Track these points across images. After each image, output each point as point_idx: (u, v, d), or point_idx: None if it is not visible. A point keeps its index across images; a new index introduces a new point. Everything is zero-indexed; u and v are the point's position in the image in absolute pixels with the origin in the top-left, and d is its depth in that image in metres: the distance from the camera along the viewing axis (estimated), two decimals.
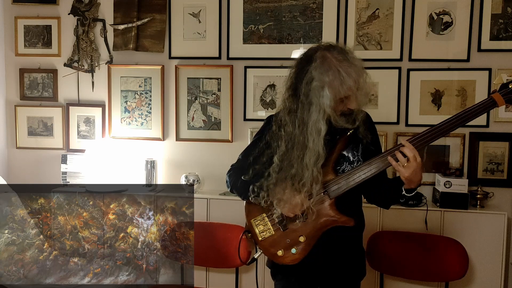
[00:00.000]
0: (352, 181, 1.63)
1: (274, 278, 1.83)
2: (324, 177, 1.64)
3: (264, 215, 1.72)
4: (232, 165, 1.85)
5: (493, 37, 2.85)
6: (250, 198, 1.70)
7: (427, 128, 1.60)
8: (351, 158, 1.69)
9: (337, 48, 1.59)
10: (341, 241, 1.71)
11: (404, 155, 1.54)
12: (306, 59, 1.61)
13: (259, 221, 1.73)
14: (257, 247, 1.73)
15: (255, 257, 1.76)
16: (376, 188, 1.72)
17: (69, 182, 3.20)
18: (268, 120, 1.79)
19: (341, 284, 1.77)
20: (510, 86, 1.62)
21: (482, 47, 2.86)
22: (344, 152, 1.69)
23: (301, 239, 1.66)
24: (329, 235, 1.67)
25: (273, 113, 1.77)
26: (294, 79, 1.63)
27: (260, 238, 1.71)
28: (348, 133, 1.67)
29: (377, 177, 1.64)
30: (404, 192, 1.60)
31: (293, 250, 1.67)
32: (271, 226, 1.71)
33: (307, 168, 1.58)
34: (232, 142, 3.13)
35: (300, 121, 1.60)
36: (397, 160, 1.55)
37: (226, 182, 1.83)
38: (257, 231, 1.72)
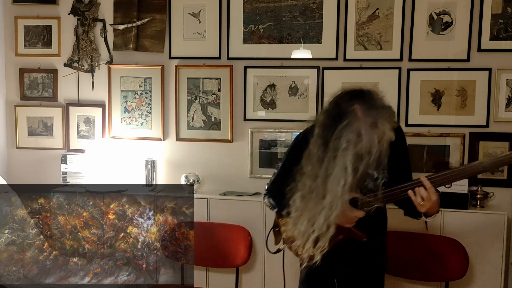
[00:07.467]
0: (380, 202, 1.72)
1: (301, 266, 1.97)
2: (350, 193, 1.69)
3: None
4: (268, 189, 1.95)
5: (493, 37, 2.85)
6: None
7: (454, 167, 1.64)
8: (376, 175, 1.70)
9: (369, 97, 1.59)
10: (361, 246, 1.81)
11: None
12: (338, 113, 1.58)
13: (285, 221, 1.87)
14: (283, 240, 1.96)
15: (280, 248, 2.00)
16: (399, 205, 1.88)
17: (69, 182, 3.20)
18: (305, 140, 1.76)
19: (361, 276, 1.87)
20: None
21: (482, 47, 2.86)
22: (369, 170, 1.68)
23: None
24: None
25: (304, 131, 1.81)
26: (323, 130, 1.62)
27: (284, 235, 1.91)
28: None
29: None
30: (423, 216, 1.76)
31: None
32: None
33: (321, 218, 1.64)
34: (232, 142, 3.13)
35: (324, 172, 1.62)
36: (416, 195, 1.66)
37: (271, 205, 1.94)
38: (283, 228, 1.92)
